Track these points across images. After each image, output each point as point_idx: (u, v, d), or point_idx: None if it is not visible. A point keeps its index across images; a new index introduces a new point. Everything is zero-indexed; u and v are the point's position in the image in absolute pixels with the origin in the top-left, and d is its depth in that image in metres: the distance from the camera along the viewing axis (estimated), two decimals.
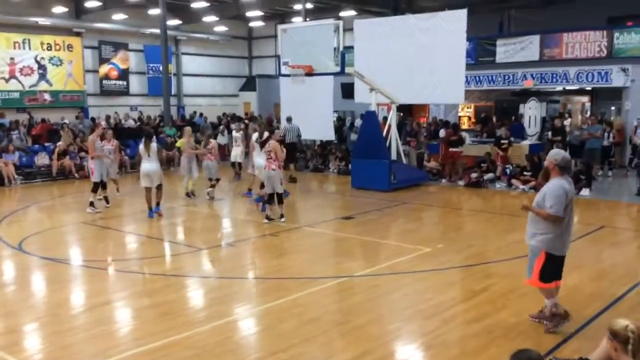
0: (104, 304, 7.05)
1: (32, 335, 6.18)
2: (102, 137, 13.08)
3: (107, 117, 24.13)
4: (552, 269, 5.93)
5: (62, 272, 8.49)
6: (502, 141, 16.37)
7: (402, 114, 20.56)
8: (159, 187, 11.94)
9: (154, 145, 11.82)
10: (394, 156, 16.17)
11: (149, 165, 11.70)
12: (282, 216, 11.28)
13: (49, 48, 27.46)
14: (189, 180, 14.07)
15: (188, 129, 14.64)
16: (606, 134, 17.23)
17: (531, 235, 5.99)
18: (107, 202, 13.05)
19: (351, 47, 18.15)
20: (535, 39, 19.77)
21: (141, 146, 11.92)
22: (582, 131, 16.84)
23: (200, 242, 10.24)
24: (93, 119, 23.58)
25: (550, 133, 17.36)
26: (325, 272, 8.29)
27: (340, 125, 22.66)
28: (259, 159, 12.38)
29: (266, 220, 11.19)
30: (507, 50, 20.32)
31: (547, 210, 5.74)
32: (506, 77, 20.55)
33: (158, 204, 12.05)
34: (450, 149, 16.44)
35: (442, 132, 17.87)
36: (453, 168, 16.50)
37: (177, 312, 6.79)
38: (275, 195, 11.28)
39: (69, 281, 8.13)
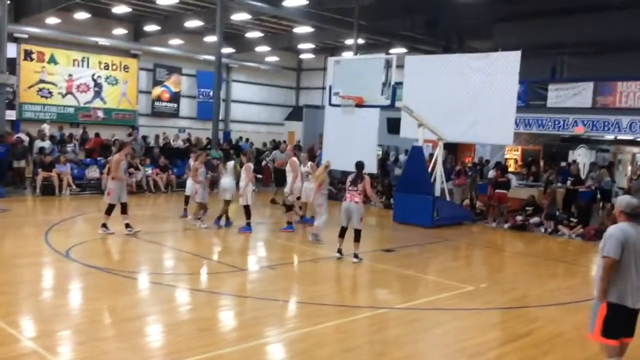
0: (143, 315, 7.12)
1: (70, 340, 6.23)
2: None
3: (157, 137, 24.72)
4: (616, 321, 5.39)
5: (105, 281, 8.60)
6: (552, 186, 16.10)
7: (445, 152, 20.44)
8: (227, 202, 13.09)
9: (230, 163, 13.32)
10: (437, 193, 16.03)
11: (225, 180, 13.21)
12: (355, 256, 10.40)
13: (106, 67, 28.47)
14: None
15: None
16: None
17: (594, 284, 5.58)
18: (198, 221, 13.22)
19: (400, 83, 18.23)
20: (589, 85, 19.46)
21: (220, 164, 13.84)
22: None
23: (241, 263, 10.30)
24: (144, 138, 24.19)
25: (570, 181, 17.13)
26: (365, 302, 8.21)
27: (383, 159, 22.63)
28: (307, 184, 13.22)
29: (338, 255, 10.53)
30: (559, 95, 20.05)
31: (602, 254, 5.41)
32: (556, 122, 20.22)
33: (227, 217, 13.29)
34: (497, 191, 16.19)
35: (491, 173, 17.65)
36: (498, 210, 16.23)
37: (214, 329, 6.81)
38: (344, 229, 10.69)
39: (111, 290, 8.22)
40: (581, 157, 22.72)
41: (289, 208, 13.58)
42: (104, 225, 11.72)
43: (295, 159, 13.85)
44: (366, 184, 10.52)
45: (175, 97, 31.61)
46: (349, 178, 10.68)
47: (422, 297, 8.58)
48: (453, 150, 22.96)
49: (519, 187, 17.78)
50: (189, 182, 14.12)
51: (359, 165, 10.72)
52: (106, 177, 17.58)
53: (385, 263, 10.73)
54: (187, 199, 14.36)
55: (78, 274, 8.97)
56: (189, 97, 32.34)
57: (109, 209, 11.75)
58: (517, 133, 19.09)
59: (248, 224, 12.82)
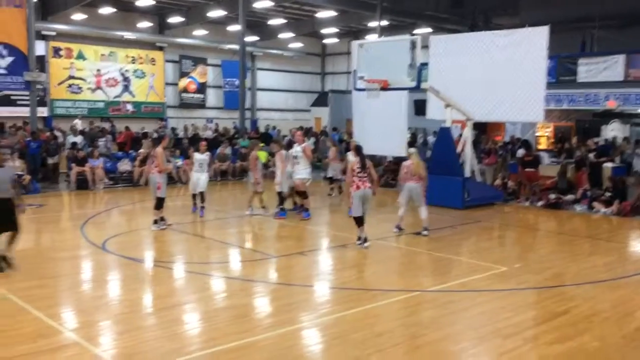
0: (180, 304, 7.24)
1: (111, 330, 6.39)
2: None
3: (185, 128, 24.97)
4: None
5: (142, 272, 8.82)
6: (563, 161, 15.82)
7: (476, 132, 20.17)
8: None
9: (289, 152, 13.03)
10: (468, 174, 15.86)
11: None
12: (365, 240, 10.20)
13: (133, 61, 28.82)
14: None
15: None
16: None
17: None
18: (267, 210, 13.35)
19: (426, 64, 18.00)
20: (620, 58, 18.97)
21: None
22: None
23: (273, 250, 10.38)
24: (173, 129, 24.47)
25: (592, 154, 16.78)
26: (397, 285, 8.21)
27: (412, 142, 22.45)
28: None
29: (366, 243, 10.13)
30: (589, 69, 19.60)
31: None
32: (588, 97, 19.78)
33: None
34: (526, 169, 15.95)
35: (520, 152, 17.40)
36: (530, 189, 16.00)
37: (250, 315, 6.90)
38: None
39: (147, 280, 8.44)
40: (614, 131, 22.23)
41: (300, 194, 13.26)
42: (162, 219, 11.58)
43: (308, 144, 13.75)
44: (371, 167, 10.23)
45: (202, 88, 31.87)
46: (357, 164, 10.01)
47: (455, 279, 8.55)
48: (483, 129, 22.66)
49: (551, 164, 17.48)
50: (197, 176, 13.14)
51: (359, 148, 10.32)
52: (138, 170, 18.04)
53: (417, 246, 10.71)
54: (195, 195, 13.41)
55: (115, 265, 9.17)
56: (215, 87, 32.56)
57: (160, 203, 11.49)
58: (548, 110, 18.71)
59: (282, 210, 13.00)
